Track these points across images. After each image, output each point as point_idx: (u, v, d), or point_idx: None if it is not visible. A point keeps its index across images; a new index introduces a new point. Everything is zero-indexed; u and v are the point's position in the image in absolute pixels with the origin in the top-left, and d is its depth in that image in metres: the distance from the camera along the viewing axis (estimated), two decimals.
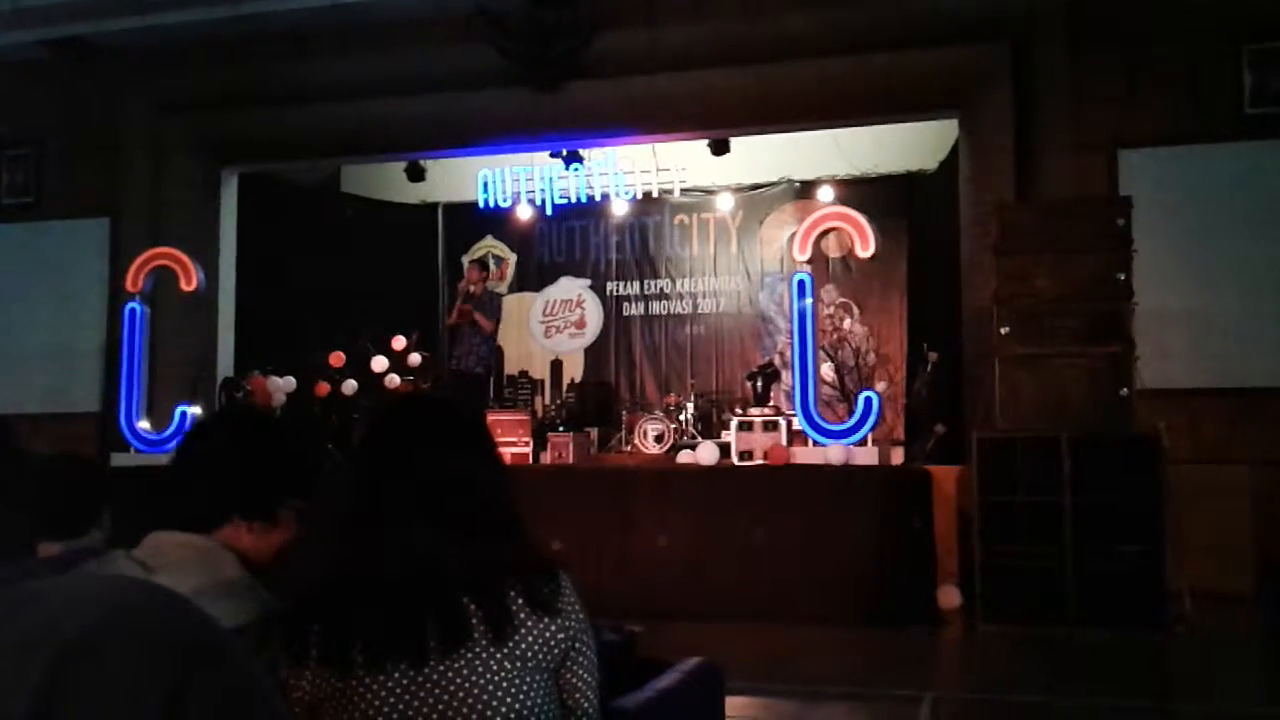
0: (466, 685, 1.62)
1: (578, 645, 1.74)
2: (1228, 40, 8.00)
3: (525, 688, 1.65)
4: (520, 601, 1.68)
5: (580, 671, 1.74)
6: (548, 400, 12.02)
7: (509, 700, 1.63)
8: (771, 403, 8.67)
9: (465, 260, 12.36)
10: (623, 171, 11.51)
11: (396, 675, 1.62)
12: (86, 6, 9.19)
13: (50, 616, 0.73)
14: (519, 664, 1.65)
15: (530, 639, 1.67)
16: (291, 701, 1.66)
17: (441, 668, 1.62)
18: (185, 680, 0.73)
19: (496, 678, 1.63)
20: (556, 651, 1.70)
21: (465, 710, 1.61)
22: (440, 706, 1.61)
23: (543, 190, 11.74)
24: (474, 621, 1.64)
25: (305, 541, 1.95)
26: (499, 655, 1.64)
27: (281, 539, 1.91)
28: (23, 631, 0.72)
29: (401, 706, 1.61)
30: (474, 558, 1.71)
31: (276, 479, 1.92)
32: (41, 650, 0.70)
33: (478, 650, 1.63)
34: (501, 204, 12.01)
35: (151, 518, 1.82)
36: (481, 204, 12.04)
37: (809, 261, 8.04)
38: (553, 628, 1.69)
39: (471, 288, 10.12)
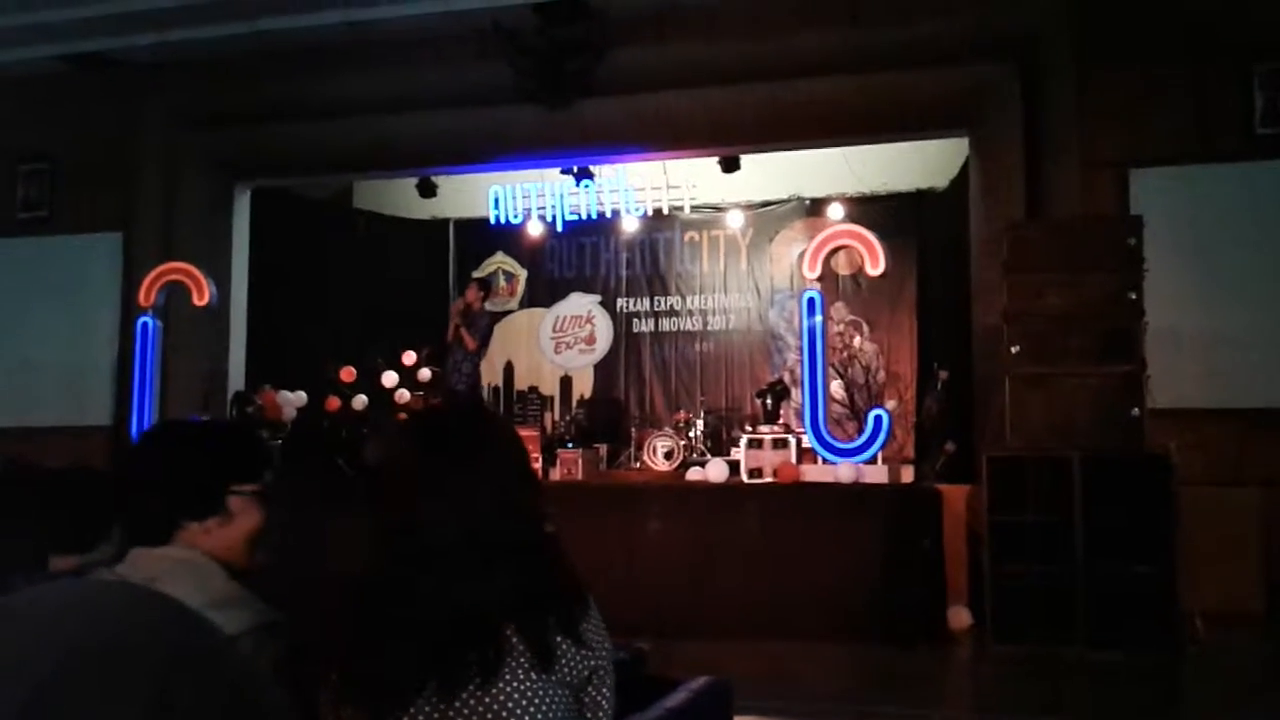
0: (495, 708, 1.61)
1: (601, 670, 1.74)
2: (1238, 61, 8.00)
3: (551, 702, 1.65)
4: (558, 632, 1.68)
5: (604, 690, 1.75)
6: (557, 416, 12.02)
7: (533, 711, 1.63)
8: (781, 420, 8.66)
9: (491, 281, 12.50)
10: (633, 188, 11.54)
11: (427, 710, 1.61)
12: (103, 22, 9.26)
13: (34, 634, 0.73)
14: (549, 685, 1.65)
15: (564, 664, 1.68)
16: None
17: (474, 701, 1.61)
18: (165, 689, 0.73)
19: (524, 700, 1.62)
20: (584, 672, 1.71)
21: None
22: None
23: (554, 206, 11.77)
24: (515, 651, 1.64)
25: (303, 541, 1.95)
26: (536, 680, 1.64)
27: (245, 529, 1.91)
28: (6, 649, 0.72)
29: None
30: (517, 586, 1.69)
31: (211, 471, 1.91)
32: (25, 669, 0.70)
33: (511, 678, 1.62)
34: (512, 220, 12.04)
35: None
36: (492, 220, 12.08)
37: (819, 279, 8.04)
38: (583, 651, 1.70)
39: (474, 305, 10.11)
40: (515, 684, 1.63)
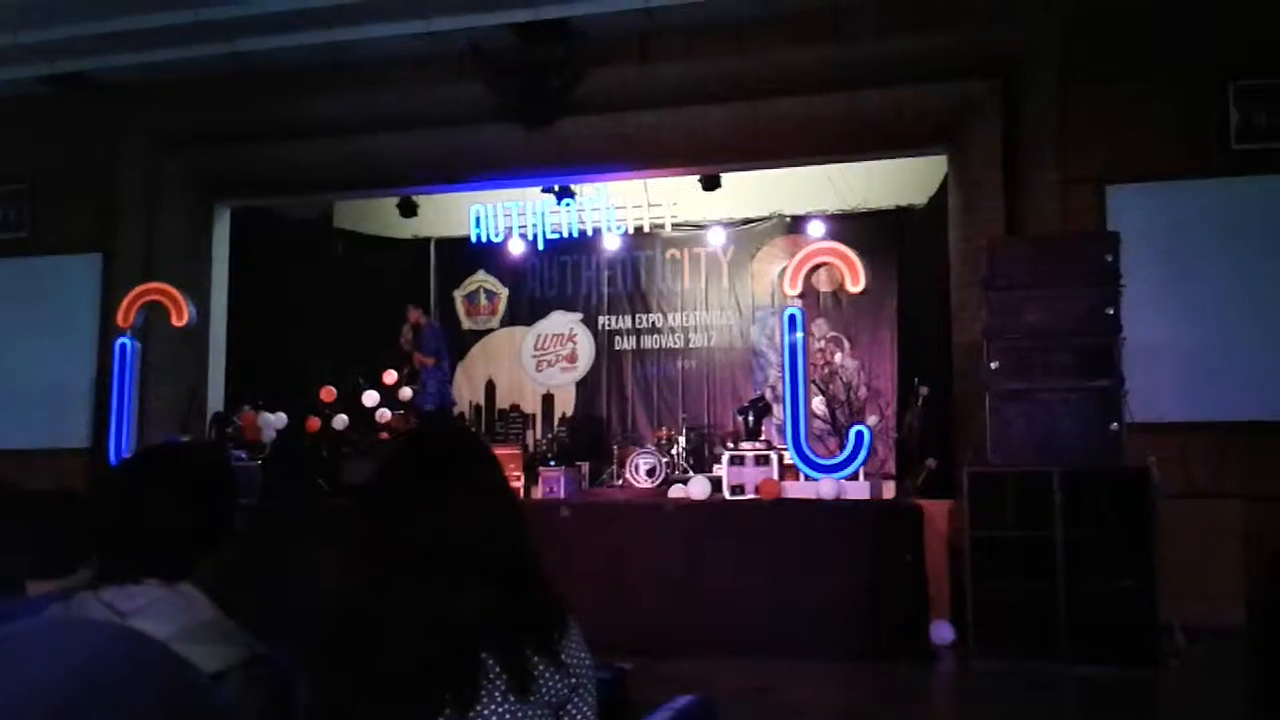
0: None
1: (583, 688, 1.75)
2: (1215, 77, 8.06)
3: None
4: (536, 656, 1.69)
5: (586, 710, 1.76)
6: (539, 434, 12.02)
7: None
8: (763, 437, 8.67)
9: (472, 299, 12.55)
10: (614, 206, 11.56)
11: None
12: (84, 42, 9.22)
13: (28, 682, 0.73)
14: (526, 708, 1.66)
15: (543, 688, 1.68)
16: None
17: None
18: None
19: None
20: (564, 692, 1.71)
21: None
22: None
23: (534, 225, 11.78)
24: (492, 675, 1.64)
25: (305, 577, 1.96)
26: (514, 704, 1.64)
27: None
28: (10, 683, 0.72)
29: None
30: (492, 610, 1.70)
31: (189, 541, 1.93)
32: (28, 709, 0.70)
33: (489, 701, 1.63)
34: (493, 239, 12.04)
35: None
36: (473, 239, 12.08)
37: (800, 296, 8.07)
38: (561, 672, 1.71)
39: (419, 323, 10.09)
40: (493, 708, 1.63)
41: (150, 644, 0.84)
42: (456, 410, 11.45)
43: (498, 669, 1.65)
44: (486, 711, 1.63)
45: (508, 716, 1.63)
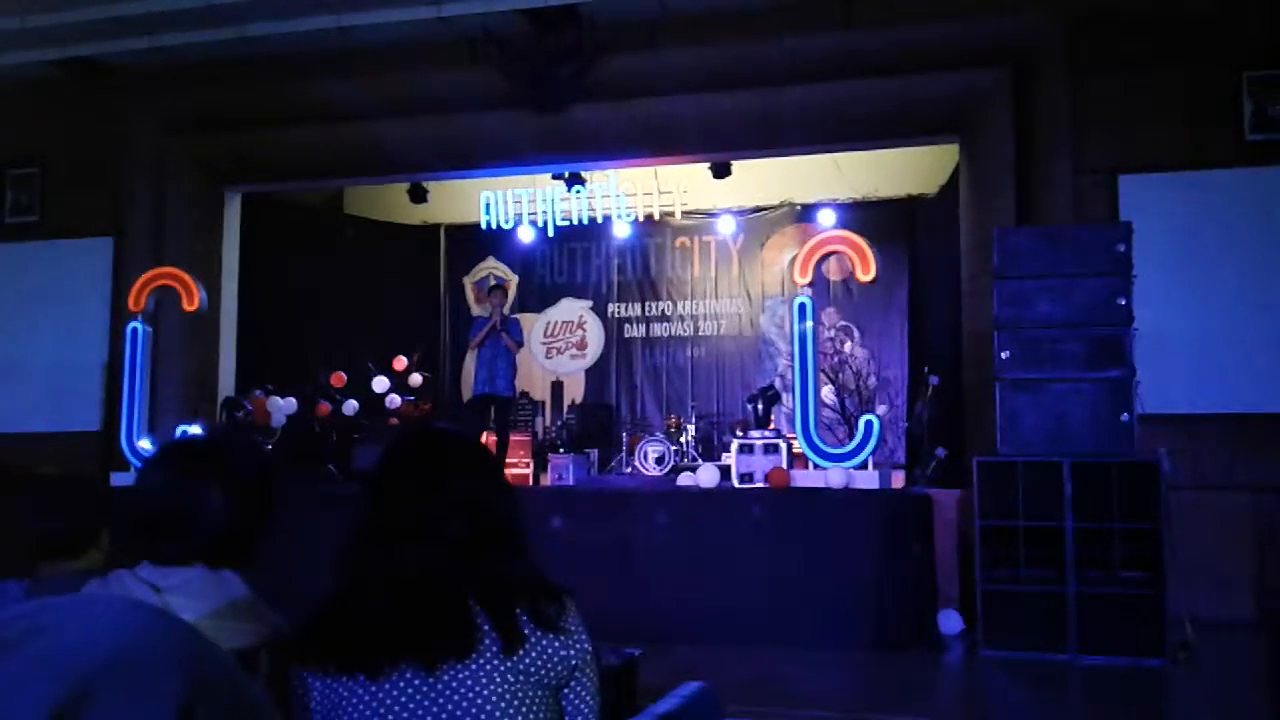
0: (471, 695, 1.65)
1: (581, 667, 1.76)
2: (1228, 67, 8.03)
3: (529, 701, 1.67)
4: (525, 618, 1.71)
5: (584, 694, 1.78)
6: (548, 421, 12.02)
7: (511, 712, 1.65)
8: (772, 425, 8.66)
9: (481, 285, 12.52)
10: (624, 194, 11.54)
11: (402, 685, 1.66)
12: (94, 27, 9.24)
13: (53, 655, 0.73)
14: (523, 678, 1.68)
15: (535, 654, 1.70)
16: (305, 710, 1.70)
17: (447, 677, 1.65)
18: (187, 714, 0.73)
19: (501, 689, 1.66)
20: (561, 670, 1.73)
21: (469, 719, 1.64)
22: (445, 716, 1.64)
23: (544, 212, 11.77)
24: (484, 629, 1.68)
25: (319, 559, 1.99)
26: (503, 668, 1.66)
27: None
28: (23, 672, 0.71)
29: (406, 715, 1.65)
30: (482, 573, 1.75)
31: (242, 538, 1.94)
32: (43, 693, 0.70)
33: (482, 661, 1.66)
34: (503, 225, 12.04)
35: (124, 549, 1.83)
36: (483, 225, 12.07)
37: (810, 284, 8.04)
38: (556, 644, 1.72)
39: (501, 307, 9.97)
40: (487, 667, 1.67)
41: (175, 623, 0.84)
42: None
43: (487, 627, 1.68)
44: (474, 667, 1.66)
45: (497, 677, 1.66)
